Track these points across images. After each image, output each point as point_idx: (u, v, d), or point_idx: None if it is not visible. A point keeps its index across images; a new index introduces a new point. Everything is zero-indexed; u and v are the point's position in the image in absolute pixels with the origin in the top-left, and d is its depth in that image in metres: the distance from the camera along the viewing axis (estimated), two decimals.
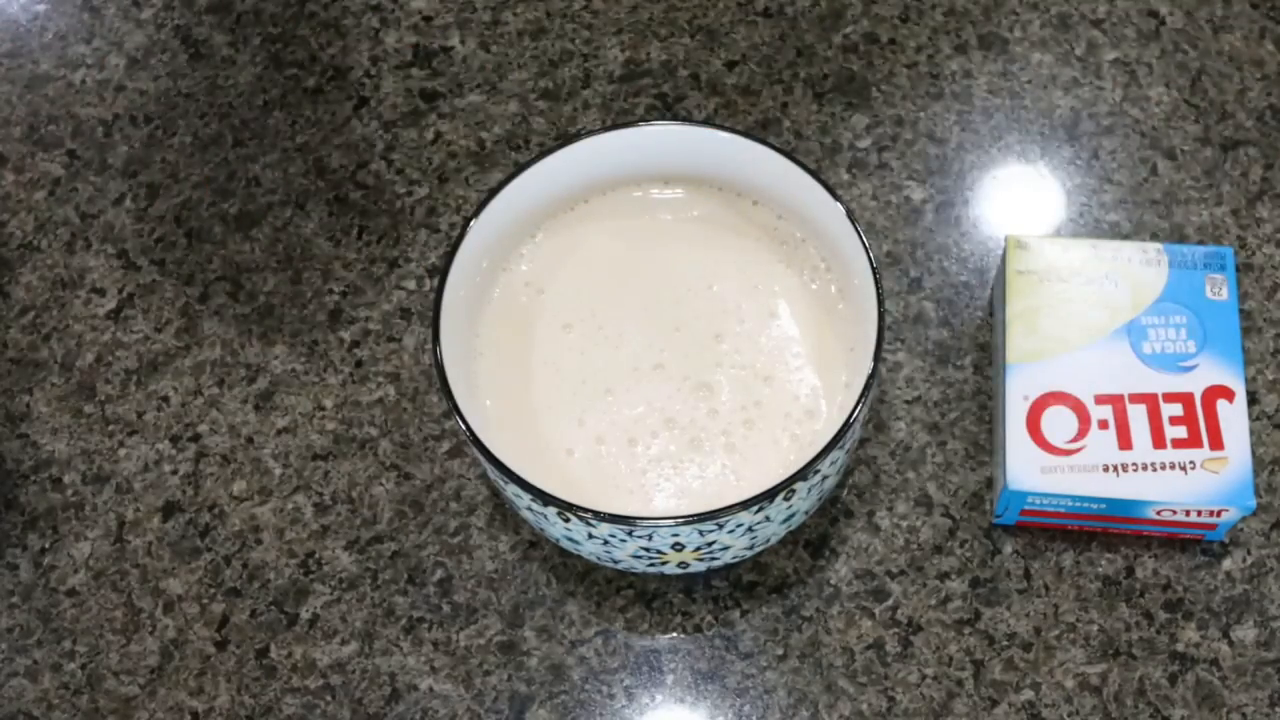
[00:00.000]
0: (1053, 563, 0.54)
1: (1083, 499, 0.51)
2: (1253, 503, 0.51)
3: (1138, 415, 0.52)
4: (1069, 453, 0.51)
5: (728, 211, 0.55)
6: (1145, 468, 0.51)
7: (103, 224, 0.63)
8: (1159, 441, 0.51)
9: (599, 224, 0.55)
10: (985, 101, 0.63)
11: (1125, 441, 0.52)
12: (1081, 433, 0.52)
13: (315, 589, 0.55)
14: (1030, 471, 0.51)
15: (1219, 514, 0.51)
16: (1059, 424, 0.52)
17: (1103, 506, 0.52)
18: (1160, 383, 0.52)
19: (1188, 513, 0.51)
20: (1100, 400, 0.52)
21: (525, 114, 0.64)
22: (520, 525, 0.56)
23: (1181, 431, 0.52)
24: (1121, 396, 0.52)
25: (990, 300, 0.59)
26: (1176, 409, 0.52)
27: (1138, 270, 0.54)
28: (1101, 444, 0.52)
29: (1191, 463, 0.51)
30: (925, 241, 0.60)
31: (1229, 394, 0.52)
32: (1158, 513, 0.51)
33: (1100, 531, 0.54)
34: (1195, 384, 0.52)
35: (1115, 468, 0.51)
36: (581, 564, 0.55)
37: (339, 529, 0.56)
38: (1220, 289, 0.54)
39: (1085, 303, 0.54)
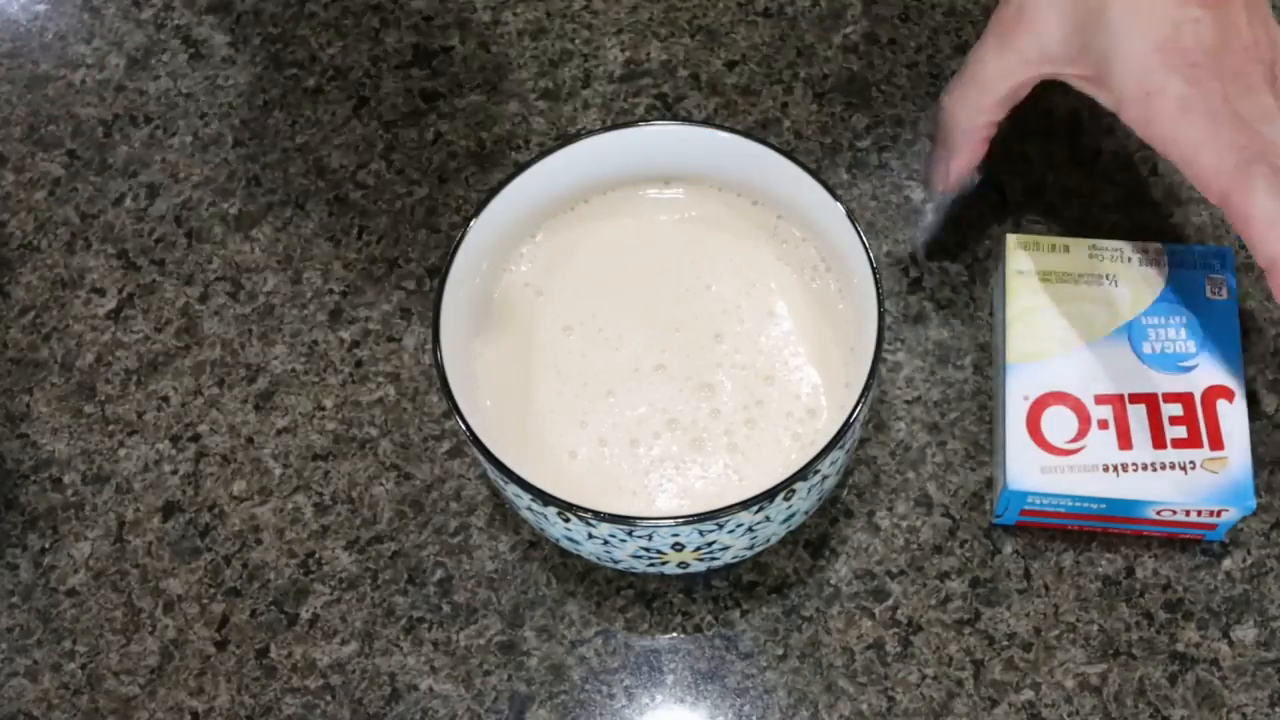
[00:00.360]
0: (1053, 563, 0.54)
1: (1083, 499, 0.51)
2: (1253, 503, 0.51)
3: (1138, 415, 0.52)
4: (1069, 453, 0.51)
5: (727, 211, 0.55)
6: (1145, 468, 0.51)
7: (103, 224, 0.63)
8: (1159, 442, 0.52)
9: (599, 224, 0.55)
10: None
11: (1125, 441, 0.52)
12: (1081, 433, 0.52)
13: (315, 589, 0.55)
14: (1030, 471, 0.51)
15: (1219, 514, 0.51)
16: (1059, 424, 0.52)
17: (1103, 506, 0.52)
18: (1160, 383, 0.52)
19: (1188, 513, 0.51)
20: (1100, 400, 0.52)
21: (525, 114, 0.64)
22: (520, 525, 0.56)
23: (1181, 431, 0.52)
24: (1121, 396, 0.52)
25: (990, 300, 0.59)
26: (1176, 409, 0.52)
27: (1138, 270, 0.54)
28: (1101, 444, 0.52)
29: (1191, 463, 0.51)
30: (925, 241, 0.60)
31: (1229, 394, 0.52)
32: (1158, 513, 0.52)
33: (1100, 531, 0.54)
34: (1195, 384, 0.52)
35: (1115, 468, 0.51)
36: (581, 564, 0.55)
37: (339, 529, 0.56)
38: (1220, 289, 0.54)
39: (1085, 302, 0.54)
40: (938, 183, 0.57)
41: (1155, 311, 0.54)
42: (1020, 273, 0.55)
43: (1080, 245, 0.55)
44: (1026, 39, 0.52)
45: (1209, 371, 0.53)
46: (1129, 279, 0.54)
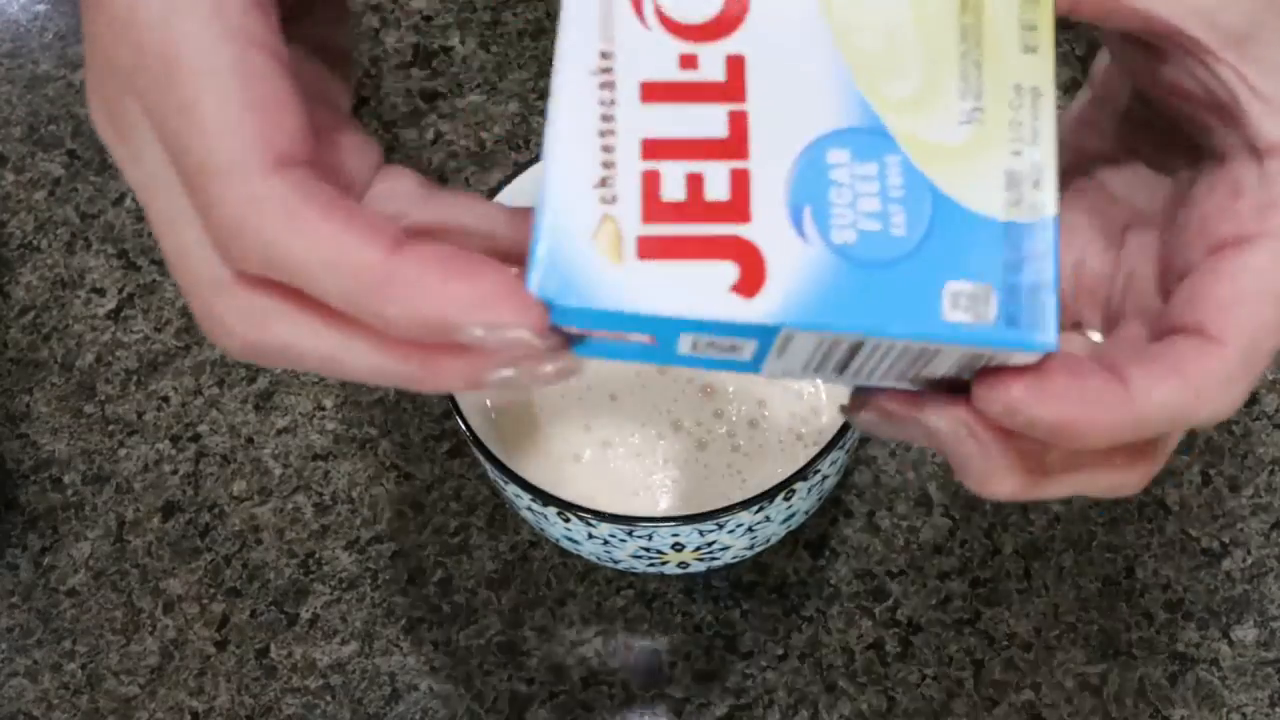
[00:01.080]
0: (1053, 563, 0.54)
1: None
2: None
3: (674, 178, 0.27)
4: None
5: None
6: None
7: (103, 224, 0.63)
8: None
9: None
10: None
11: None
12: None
13: (315, 589, 0.55)
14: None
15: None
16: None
17: None
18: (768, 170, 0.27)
19: None
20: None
21: (525, 114, 0.64)
22: (520, 525, 0.56)
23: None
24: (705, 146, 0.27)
25: None
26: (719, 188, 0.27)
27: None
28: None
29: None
30: None
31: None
32: None
33: None
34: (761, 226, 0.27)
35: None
36: (581, 564, 0.55)
37: (339, 529, 0.56)
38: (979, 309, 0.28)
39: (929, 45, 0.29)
40: None
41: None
42: None
43: (1046, 63, 0.30)
44: None
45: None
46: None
